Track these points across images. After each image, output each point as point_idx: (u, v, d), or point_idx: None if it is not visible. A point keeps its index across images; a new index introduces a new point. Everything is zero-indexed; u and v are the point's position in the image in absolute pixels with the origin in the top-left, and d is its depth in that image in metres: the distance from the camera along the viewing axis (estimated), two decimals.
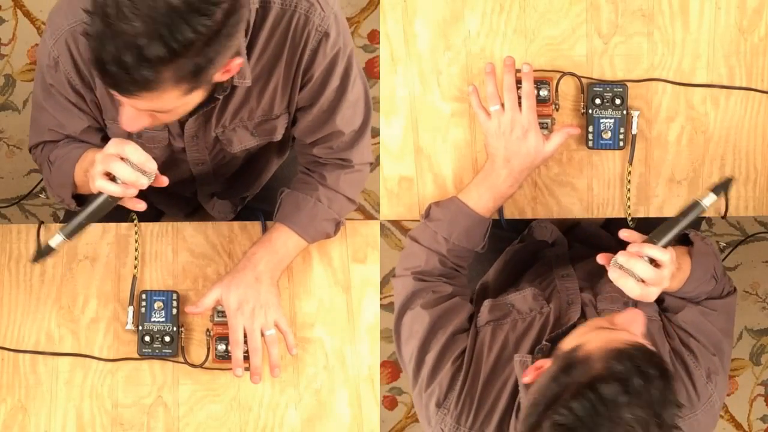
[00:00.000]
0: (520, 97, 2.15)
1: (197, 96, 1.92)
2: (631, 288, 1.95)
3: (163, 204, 2.49)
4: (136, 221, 2.26)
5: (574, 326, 2.04)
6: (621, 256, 1.95)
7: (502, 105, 2.15)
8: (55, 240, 2.02)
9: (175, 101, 1.88)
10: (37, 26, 3.20)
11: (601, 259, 1.99)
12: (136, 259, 2.24)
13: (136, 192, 1.96)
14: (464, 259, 2.20)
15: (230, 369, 2.17)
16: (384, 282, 3.12)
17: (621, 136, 2.21)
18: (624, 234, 1.99)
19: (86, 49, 2.01)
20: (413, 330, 2.12)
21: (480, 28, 2.22)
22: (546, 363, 1.88)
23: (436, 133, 2.26)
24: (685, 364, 2.07)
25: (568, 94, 2.23)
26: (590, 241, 2.42)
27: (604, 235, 2.44)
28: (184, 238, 2.27)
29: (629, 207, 2.26)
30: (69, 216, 2.55)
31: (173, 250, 2.26)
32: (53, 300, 2.21)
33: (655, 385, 1.75)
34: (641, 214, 2.28)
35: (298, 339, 2.21)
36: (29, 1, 3.21)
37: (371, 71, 3.18)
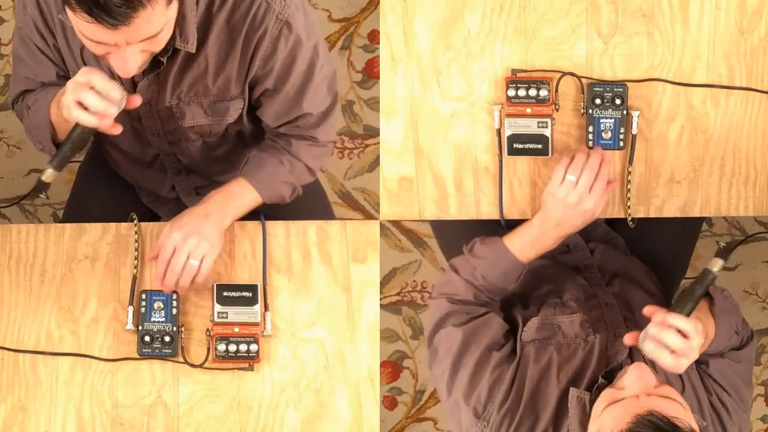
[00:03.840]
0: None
1: (173, 11, 1.95)
2: (666, 359, 1.97)
3: (153, 204, 2.50)
4: (136, 221, 2.26)
5: (620, 366, 2.07)
6: (653, 327, 1.97)
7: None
8: (47, 174, 2.07)
9: (163, 16, 1.90)
10: None
11: (628, 339, 2.01)
12: (136, 259, 2.24)
13: (110, 123, 2.00)
14: (497, 294, 2.25)
15: (231, 369, 2.17)
16: (384, 282, 3.12)
17: (621, 136, 2.21)
18: (648, 311, 2.02)
19: None
20: (447, 346, 2.17)
21: (480, 28, 2.22)
22: None
23: (436, 133, 2.26)
24: (721, 422, 2.11)
25: (568, 94, 2.23)
26: (606, 239, 2.43)
27: (613, 234, 2.45)
28: None
29: (629, 207, 2.26)
30: (68, 214, 2.57)
31: None
32: (53, 300, 2.21)
33: None
34: (641, 214, 2.28)
35: (298, 339, 2.21)
36: None
37: (371, 71, 3.18)
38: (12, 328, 2.19)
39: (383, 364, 3.10)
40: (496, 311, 2.22)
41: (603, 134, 2.22)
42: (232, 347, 2.16)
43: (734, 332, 2.12)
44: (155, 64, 2.10)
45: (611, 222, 2.47)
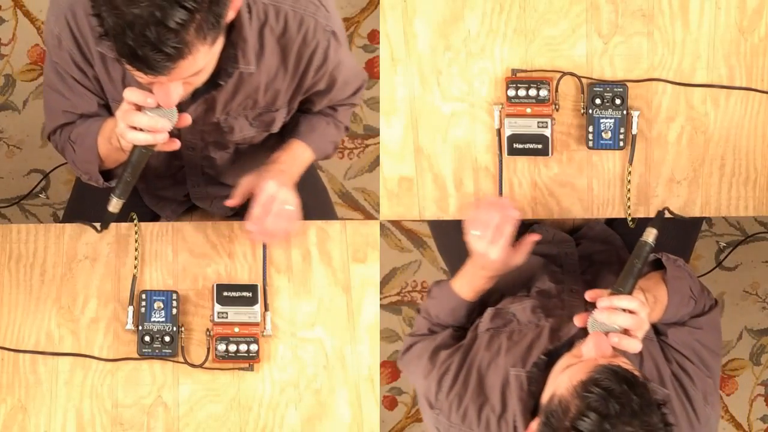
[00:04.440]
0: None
1: (219, 46, 1.97)
2: (622, 342, 1.95)
3: (156, 206, 2.50)
4: (136, 221, 2.26)
5: (571, 341, 2.07)
6: (599, 314, 1.96)
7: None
8: (113, 204, 2.08)
9: (206, 57, 1.93)
10: (37, 26, 3.20)
11: (578, 321, 2.00)
12: (136, 259, 2.24)
13: (165, 137, 2.02)
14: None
15: (231, 369, 2.17)
16: (384, 282, 3.12)
17: (621, 136, 2.21)
18: (589, 295, 2.01)
19: (85, 24, 2.09)
20: (406, 361, 2.28)
21: (480, 28, 2.22)
22: (534, 424, 1.93)
23: (436, 133, 2.26)
24: (684, 389, 2.10)
25: (568, 94, 2.23)
26: (599, 237, 2.44)
27: (610, 231, 2.45)
28: (184, 237, 2.27)
29: (629, 207, 2.26)
30: (69, 214, 2.57)
31: (173, 250, 2.26)
32: (53, 300, 2.21)
33: (630, 399, 1.78)
34: (641, 214, 2.28)
35: (298, 339, 2.21)
36: (29, 1, 3.21)
37: (371, 71, 3.18)
38: (12, 328, 2.19)
39: (383, 364, 3.10)
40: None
41: (603, 134, 2.22)
42: (232, 347, 2.16)
43: (690, 298, 2.11)
44: (211, 86, 2.13)
45: (611, 222, 2.48)
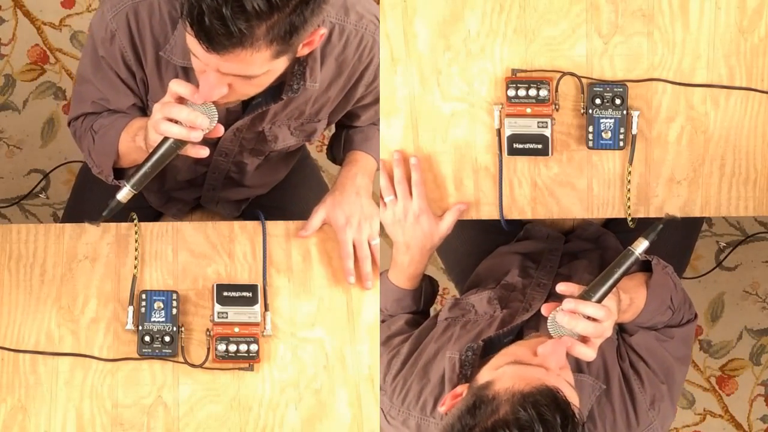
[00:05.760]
0: None
1: (281, 65, 1.97)
2: (578, 350, 1.94)
3: (163, 206, 2.50)
4: (136, 221, 2.26)
5: (519, 330, 2.09)
6: (561, 316, 1.95)
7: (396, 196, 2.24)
8: (123, 193, 2.03)
9: (263, 64, 1.92)
10: (37, 26, 3.20)
11: (544, 309, 1.99)
12: (136, 259, 2.24)
13: (200, 136, 1.98)
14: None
15: (231, 369, 2.17)
16: None
17: (621, 136, 2.21)
18: (561, 288, 1.99)
19: (146, 26, 2.10)
20: None
21: (480, 28, 2.22)
22: (464, 390, 1.93)
23: (436, 133, 2.26)
24: (630, 388, 2.10)
25: (568, 94, 2.23)
26: (591, 237, 2.44)
27: (603, 231, 2.45)
28: (184, 237, 2.27)
29: (629, 207, 2.26)
30: (69, 214, 2.57)
31: (173, 250, 2.26)
32: (53, 300, 2.21)
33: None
34: (641, 214, 2.28)
35: (298, 339, 2.22)
36: (29, 1, 3.21)
37: None
38: (12, 328, 2.19)
39: None
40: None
41: (603, 134, 2.22)
42: (232, 347, 2.16)
43: (668, 308, 2.10)
44: (272, 100, 2.15)
45: (608, 222, 2.48)
